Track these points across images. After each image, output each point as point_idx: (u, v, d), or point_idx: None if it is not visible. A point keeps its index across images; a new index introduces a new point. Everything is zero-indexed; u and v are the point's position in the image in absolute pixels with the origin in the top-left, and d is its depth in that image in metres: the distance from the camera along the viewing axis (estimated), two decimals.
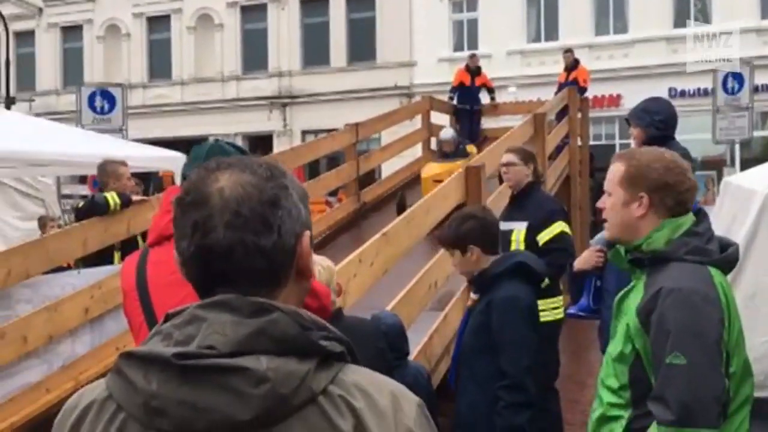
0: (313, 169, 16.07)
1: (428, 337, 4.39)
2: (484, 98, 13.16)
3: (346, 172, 9.53)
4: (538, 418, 3.99)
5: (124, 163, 5.65)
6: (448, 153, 9.68)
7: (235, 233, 0.98)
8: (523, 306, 3.00)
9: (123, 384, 0.95)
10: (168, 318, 1.00)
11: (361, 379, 0.99)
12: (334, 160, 14.48)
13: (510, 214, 4.70)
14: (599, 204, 2.15)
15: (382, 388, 0.99)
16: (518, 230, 4.53)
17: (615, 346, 2.00)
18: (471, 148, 10.30)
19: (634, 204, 2.02)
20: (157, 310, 1.77)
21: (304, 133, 21.52)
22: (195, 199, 1.00)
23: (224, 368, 0.91)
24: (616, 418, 1.97)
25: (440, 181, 6.06)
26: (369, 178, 10.96)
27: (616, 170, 2.08)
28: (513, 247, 4.38)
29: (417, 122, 12.10)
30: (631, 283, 2.08)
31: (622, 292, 2.10)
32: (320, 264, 2.56)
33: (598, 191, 13.28)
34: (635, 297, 1.99)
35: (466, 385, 3.12)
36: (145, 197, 5.98)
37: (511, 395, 2.87)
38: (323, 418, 0.93)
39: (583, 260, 3.62)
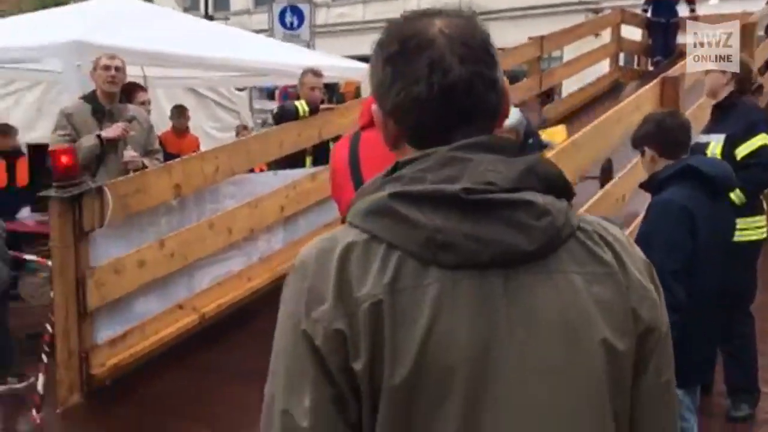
0: None
1: None
2: (683, 11, 12.14)
3: (527, 86, 9.29)
4: (728, 342, 3.85)
5: (316, 74, 5.85)
6: None
7: (471, 67, 0.98)
8: (674, 209, 2.86)
9: (395, 223, 0.93)
10: (399, 166, 0.98)
11: (596, 220, 1.04)
12: (513, 78, 14.14)
13: (711, 126, 4.38)
14: None
15: (614, 227, 1.05)
16: (715, 143, 4.19)
17: None
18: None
19: None
20: None
21: None
22: (420, 42, 0.99)
23: (511, 202, 0.93)
24: None
25: None
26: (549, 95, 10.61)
27: None
28: None
29: (603, 40, 11.45)
30: None
31: None
32: None
33: None
34: None
35: None
36: (331, 105, 6.23)
37: None
38: (584, 249, 0.97)
39: None
